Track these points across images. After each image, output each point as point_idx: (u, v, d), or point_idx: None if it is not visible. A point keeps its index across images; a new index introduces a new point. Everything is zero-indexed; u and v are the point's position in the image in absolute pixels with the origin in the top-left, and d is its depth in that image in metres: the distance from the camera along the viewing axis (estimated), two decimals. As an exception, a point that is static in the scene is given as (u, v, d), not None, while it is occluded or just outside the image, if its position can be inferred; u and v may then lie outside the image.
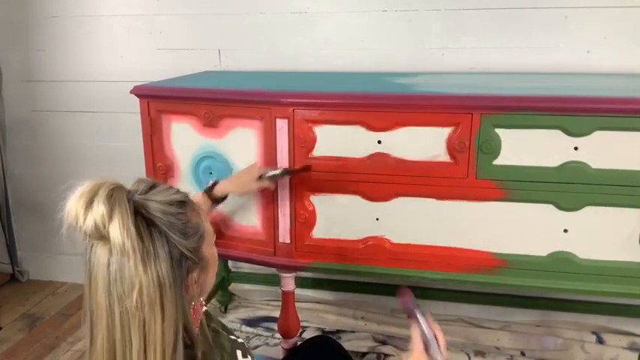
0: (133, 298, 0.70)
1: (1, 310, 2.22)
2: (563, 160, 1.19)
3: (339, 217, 1.36)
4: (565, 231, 1.23)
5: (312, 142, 1.32)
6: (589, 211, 1.21)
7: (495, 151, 1.22)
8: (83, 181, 0.74)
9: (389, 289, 1.96)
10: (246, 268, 2.12)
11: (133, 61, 2.08)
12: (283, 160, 1.34)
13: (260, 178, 1.30)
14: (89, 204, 0.70)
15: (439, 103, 1.23)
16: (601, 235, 1.22)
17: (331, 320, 1.95)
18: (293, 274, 1.48)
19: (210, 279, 0.87)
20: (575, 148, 1.18)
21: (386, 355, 1.77)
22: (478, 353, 1.74)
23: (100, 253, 0.72)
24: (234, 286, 2.17)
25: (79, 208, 0.70)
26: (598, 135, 1.16)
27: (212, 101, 1.39)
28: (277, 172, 1.31)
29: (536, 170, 1.21)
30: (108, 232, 0.70)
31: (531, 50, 1.73)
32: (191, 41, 2.01)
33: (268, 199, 1.39)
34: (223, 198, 1.31)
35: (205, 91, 1.42)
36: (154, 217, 0.73)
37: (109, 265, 0.71)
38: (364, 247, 1.35)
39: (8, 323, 2.12)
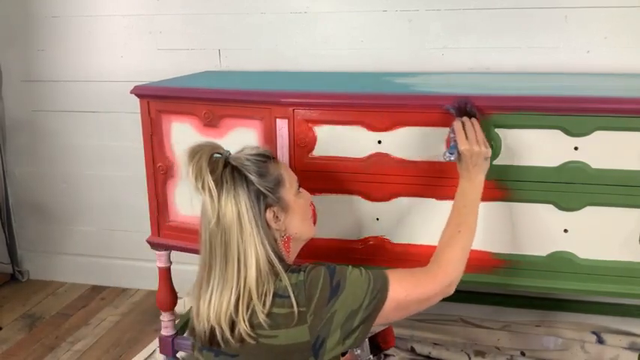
0: (213, 222, 0.96)
1: (1, 310, 2.22)
2: (563, 160, 1.19)
3: (339, 217, 1.36)
4: (565, 231, 1.23)
5: (312, 142, 1.32)
6: (589, 211, 1.21)
7: (495, 151, 1.22)
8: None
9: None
10: (246, 268, 2.11)
11: (132, 61, 2.08)
12: (283, 160, 1.34)
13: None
14: (185, 160, 0.99)
15: (439, 103, 1.23)
16: (601, 235, 1.22)
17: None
18: (293, 274, 1.48)
19: (299, 223, 1.07)
20: (575, 148, 1.18)
21: (386, 355, 1.77)
22: (478, 353, 1.74)
23: (197, 193, 0.98)
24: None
25: (184, 169, 0.99)
26: (598, 135, 1.16)
27: (212, 101, 1.39)
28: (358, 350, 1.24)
29: (536, 170, 1.21)
30: (189, 178, 0.96)
31: (531, 50, 1.73)
32: (191, 41, 2.01)
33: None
34: None
35: (205, 91, 1.42)
36: (238, 163, 1.00)
37: (202, 201, 0.98)
38: (364, 247, 1.35)
39: (8, 323, 2.12)
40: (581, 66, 1.70)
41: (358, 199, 1.33)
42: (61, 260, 2.41)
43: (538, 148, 1.20)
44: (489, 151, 1.16)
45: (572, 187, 1.20)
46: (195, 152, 0.98)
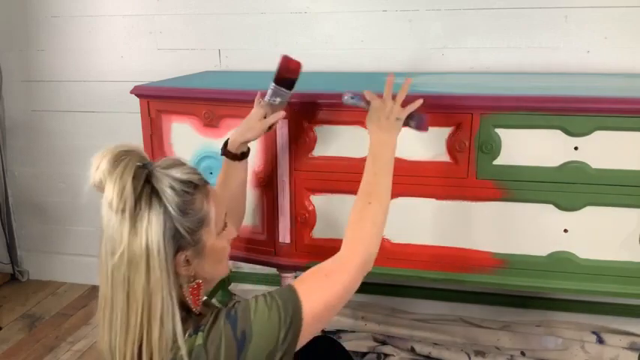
0: (117, 255, 0.78)
1: (1, 310, 2.22)
2: (563, 160, 1.19)
3: (339, 217, 1.36)
4: (565, 231, 1.23)
5: (312, 142, 1.32)
6: (589, 211, 1.21)
7: (495, 151, 1.22)
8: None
9: (389, 289, 1.96)
10: (246, 267, 2.12)
11: (133, 61, 2.08)
12: (283, 160, 1.34)
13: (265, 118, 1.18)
14: (99, 161, 0.79)
15: (439, 103, 1.23)
16: (601, 235, 1.22)
17: (331, 320, 1.95)
18: (293, 274, 1.48)
19: (210, 268, 0.89)
20: (575, 148, 1.18)
21: (386, 355, 1.77)
22: (478, 353, 1.74)
23: (104, 208, 0.80)
24: (234, 286, 2.17)
25: (94, 163, 0.80)
26: (598, 135, 1.16)
27: (212, 101, 1.39)
28: (274, 98, 1.20)
29: (536, 170, 1.21)
30: (104, 188, 0.78)
31: (531, 50, 1.73)
32: (191, 41, 2.01)
33: (268, 198, 1.39)
34: (245, 153, 1.20)
35: (205, 91, 1.42)
36: (160, 188, 0.80)
37: (108, 220, 0.80)
38: (364, 247, 1.35)
39: (8, 323, 2.12)
40: (581, 66, 1.70)
41: (358, 199, 1.33)
42: (61, 260, 2.41)
43: (538, 148, 1.20)
44: (403, 113, 1.09)
45: (572, 187, 1.20)
46: (119, 159, 0.78)
